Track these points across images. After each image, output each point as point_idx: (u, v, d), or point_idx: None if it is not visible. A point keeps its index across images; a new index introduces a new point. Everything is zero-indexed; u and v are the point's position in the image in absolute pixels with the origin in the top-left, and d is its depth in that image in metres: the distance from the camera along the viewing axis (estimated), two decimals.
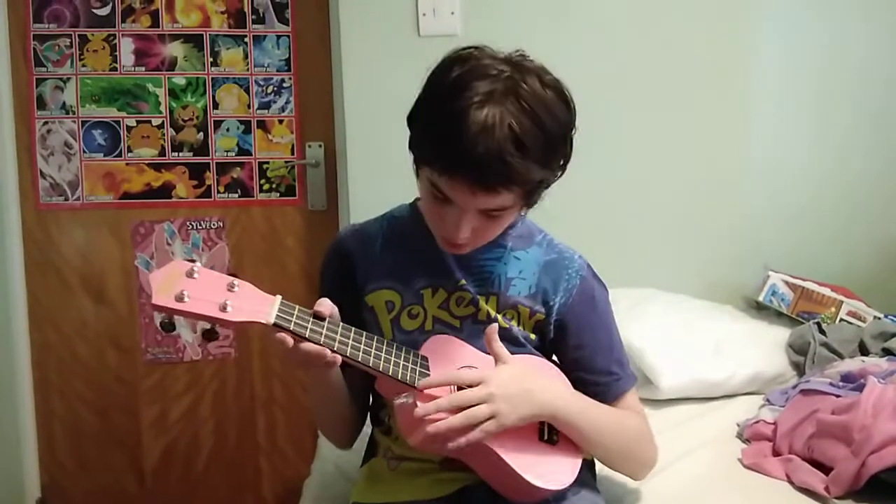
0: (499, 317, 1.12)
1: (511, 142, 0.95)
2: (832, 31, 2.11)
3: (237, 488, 2.25)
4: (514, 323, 1.13)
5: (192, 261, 0.92)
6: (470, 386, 0.99)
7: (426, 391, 1.00)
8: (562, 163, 1.05)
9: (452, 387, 1.02)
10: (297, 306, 0.96)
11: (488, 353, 1.06)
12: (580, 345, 1.14)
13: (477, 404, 0.98)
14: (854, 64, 2.11)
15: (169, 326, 0.91)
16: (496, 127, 0.94)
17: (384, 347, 1.02)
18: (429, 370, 1.03)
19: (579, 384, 1.14)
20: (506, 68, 0.99)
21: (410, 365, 1.02)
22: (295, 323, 0.93)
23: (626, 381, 1.17)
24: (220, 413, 2.22)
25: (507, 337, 1.10)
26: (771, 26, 2.10)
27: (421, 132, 1.03)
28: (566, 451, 1.07)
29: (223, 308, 0.88)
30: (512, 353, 1.06)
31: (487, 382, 1.00)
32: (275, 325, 0.92)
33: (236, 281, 0.92)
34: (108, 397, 2.18)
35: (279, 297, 0.95)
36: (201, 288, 0.89)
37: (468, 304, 1.12)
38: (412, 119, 1.05)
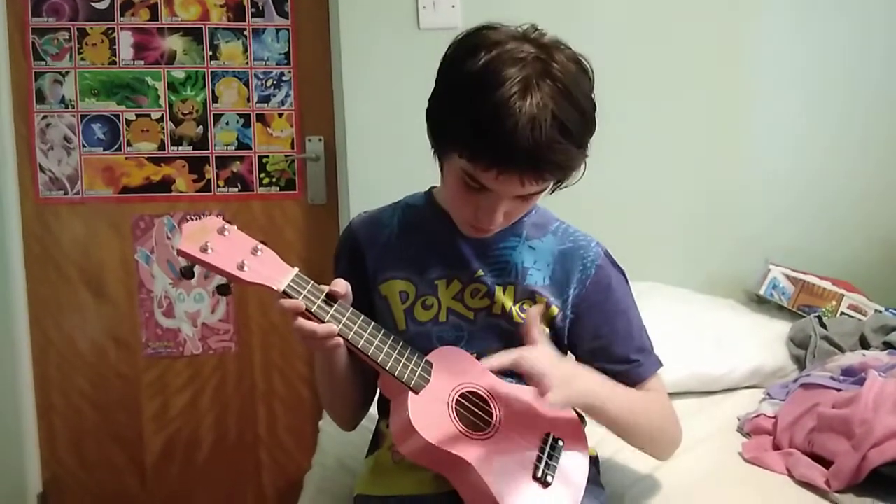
0: (514, 309, 1.11)
1: (558, 131, 0.95)
2: (836, 28, 2.10)
3: (238, 482, 2.26)
4: None
5: (230, 222, 0.96)
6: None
7: (424, 393, 0.99)
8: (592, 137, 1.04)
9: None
10: (312, 282, 0.97)
11: (500, 377, 1.06)
12: (597, 335, 1.13)
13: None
14: (856, 60, 2.11)
15: (189, 273, 0.94)
16: (541, 117, 0.93)
17: (389, 341, 1.01)
18: (430, 376, 1.02)
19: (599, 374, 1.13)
20: (531, 49, 0.98)
21: (412, 366, 1.01)
22: (304, 297, 0.95)
23: (647, 367, 1.15)
24: (221, 407, 2.23)
25: (522, 332, 1.08)
26: (773, 21, 2.10)
27: (456, 125, 0.98)
28: (559, 494, 1.02)
29: (240, 267, 0.92)
30: None
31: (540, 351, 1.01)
32: (283, 293, 0.94)
33: (261, 246, 0.96)
34: (108, 392, 2.18)
35: (296, 270, 0.97)
36: (227, 245, 0.93)
37: (483, 296, 1.12)
38: (436, 111, 1.03)
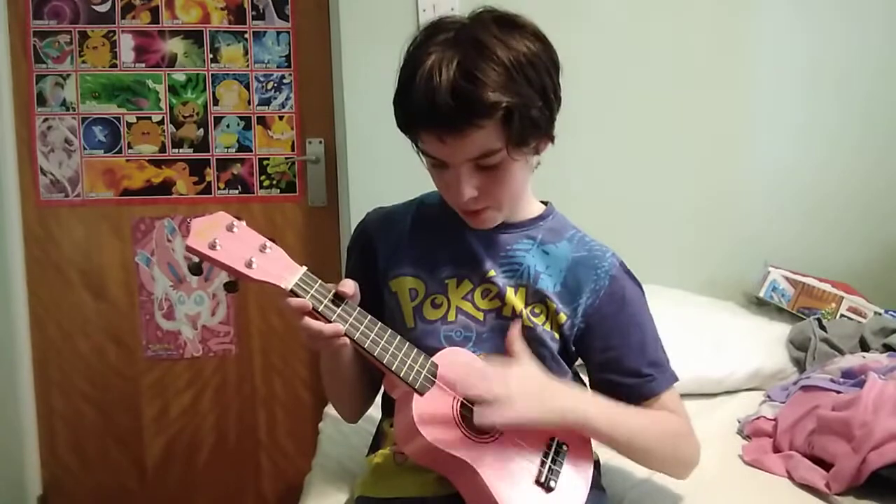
0: (525, 311, 1.10)
1: (459, 76, 0.94)
2: (835, 29, 2.10)
3: (238, 484, 2.26)
4: (540, 320, 1.10)
5: (240, 218, 0.96)
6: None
7: (428, 395, 0.99)
8: (540, 91, 0.99)
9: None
10: (320, 281, 0.97)
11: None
12: (608, 347, 1.11)
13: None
14: (856, 62, 2.11)
15: (196, 269, 0.94)
16: (443, 68, 0.94)
17: (395, 342, 1.00)
18: (435, 378, 1.01)
19: (609, 386, 1.11)
20: (465, 21, 1.01)
21: (417, 367, 1.00)
22: (312, 296, 0.95)
23: (660, 381, 1.12)
24: (221, 409, 2.23)
25: (531, 336, 1.08)
26: (773, 24, 2.10)
27: (394, 105, 1.04)
28: (562, 499, 1.01)
29: (248, 264, 0.92)
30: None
31: (506, 376, 0.95)
32: (291, 291, 0.94)
33: (270, 243, 0.96)
34: (108, 394, 2.19)
35: (304, 268, 0.97)
36: (235, 242, 0.93)
37: (494, 297, 1.11)
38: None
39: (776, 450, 1.39)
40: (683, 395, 1.63)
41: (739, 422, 1.55)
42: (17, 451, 2.13)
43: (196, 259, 0.93)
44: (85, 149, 2.13)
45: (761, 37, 2.10)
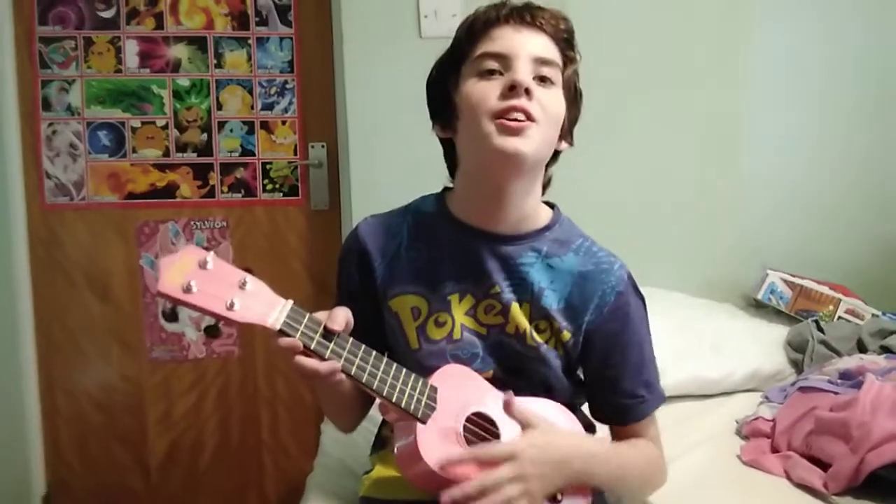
0: (529, 329, 1.07)
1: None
2: (833, 30, 2.12)
3: (241, 484, 2.27)
4: (543, 338, 1.08)
5: (208, 249, 0.89)
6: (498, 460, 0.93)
7: (430, 424, 0.96)
8: (575, 62, 1.07)
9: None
10: (308, 314, 0.91)
11: (502, 392, 1.03)
12: (607, 365, 1.09)
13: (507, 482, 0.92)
14: (852, 64, 2.13)
15: (171, 316, 0.88)
16: None
17: (392, 371, 0.96)
18: (436, 403, 0.98)
19: (601, 403, 1.12)
20: None
21: (417, 395, 0.96)
22: (302, 332, 0.89)
23: (650, 403, 1.11)
24: (224, 410, 2.24)
25: (534, 356, 1.07)
26: (772, 25, 2.12)
27: (451, 55, 1.08)
28: None
29: (230, 307, 0.84)
30: (531, 396, 1.05)
31: (519, 459, 0.93)
32: (280, 331, 0.88)
33: (249, 278, 0.87)
34: (113, 395, 2.20)
35: (290, 303, 0.90)
36: (211, 281, 0.84)
37: (497, 313, 1.07)
38: (438, 64, 1.10)
39: (774, 450, 1.41)
40: (683, 396, 1.67)
41: (738, 422, 1.56)
42: (21, 452, 2.14)
43: (171, 305, 0.88)
44: (90, 153, 2.15)
45: (758, 39, 2.11)
